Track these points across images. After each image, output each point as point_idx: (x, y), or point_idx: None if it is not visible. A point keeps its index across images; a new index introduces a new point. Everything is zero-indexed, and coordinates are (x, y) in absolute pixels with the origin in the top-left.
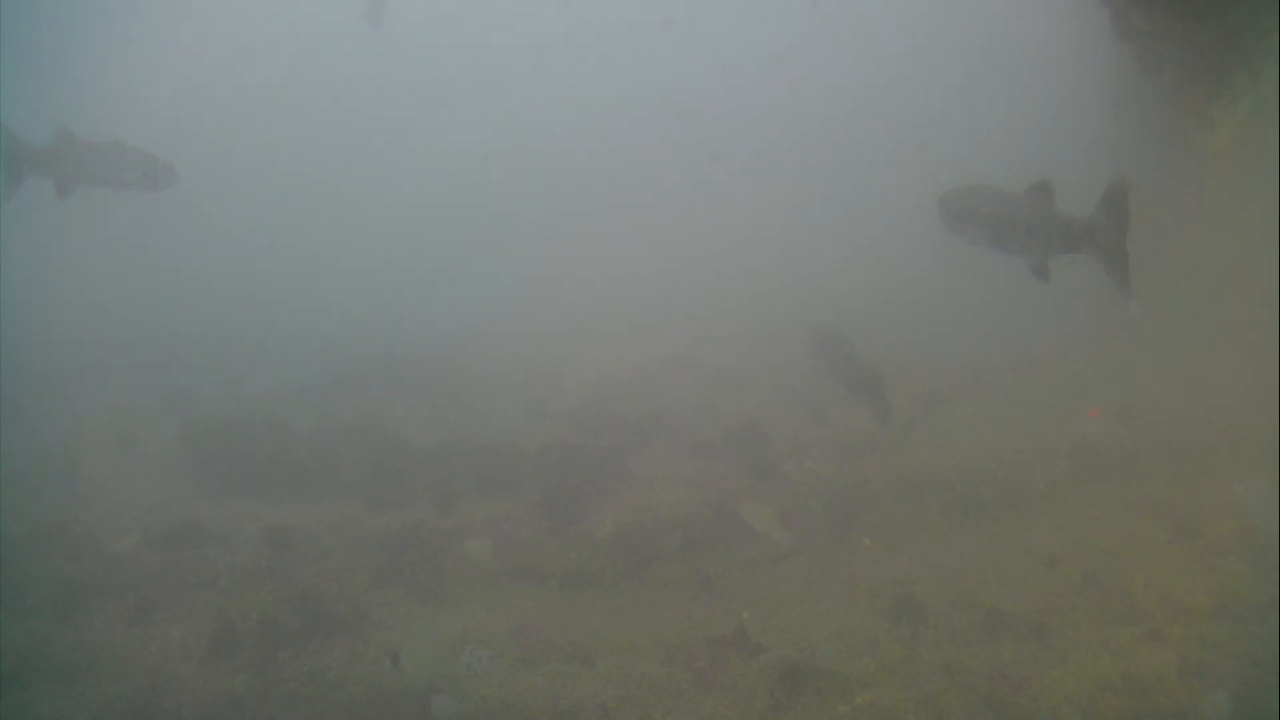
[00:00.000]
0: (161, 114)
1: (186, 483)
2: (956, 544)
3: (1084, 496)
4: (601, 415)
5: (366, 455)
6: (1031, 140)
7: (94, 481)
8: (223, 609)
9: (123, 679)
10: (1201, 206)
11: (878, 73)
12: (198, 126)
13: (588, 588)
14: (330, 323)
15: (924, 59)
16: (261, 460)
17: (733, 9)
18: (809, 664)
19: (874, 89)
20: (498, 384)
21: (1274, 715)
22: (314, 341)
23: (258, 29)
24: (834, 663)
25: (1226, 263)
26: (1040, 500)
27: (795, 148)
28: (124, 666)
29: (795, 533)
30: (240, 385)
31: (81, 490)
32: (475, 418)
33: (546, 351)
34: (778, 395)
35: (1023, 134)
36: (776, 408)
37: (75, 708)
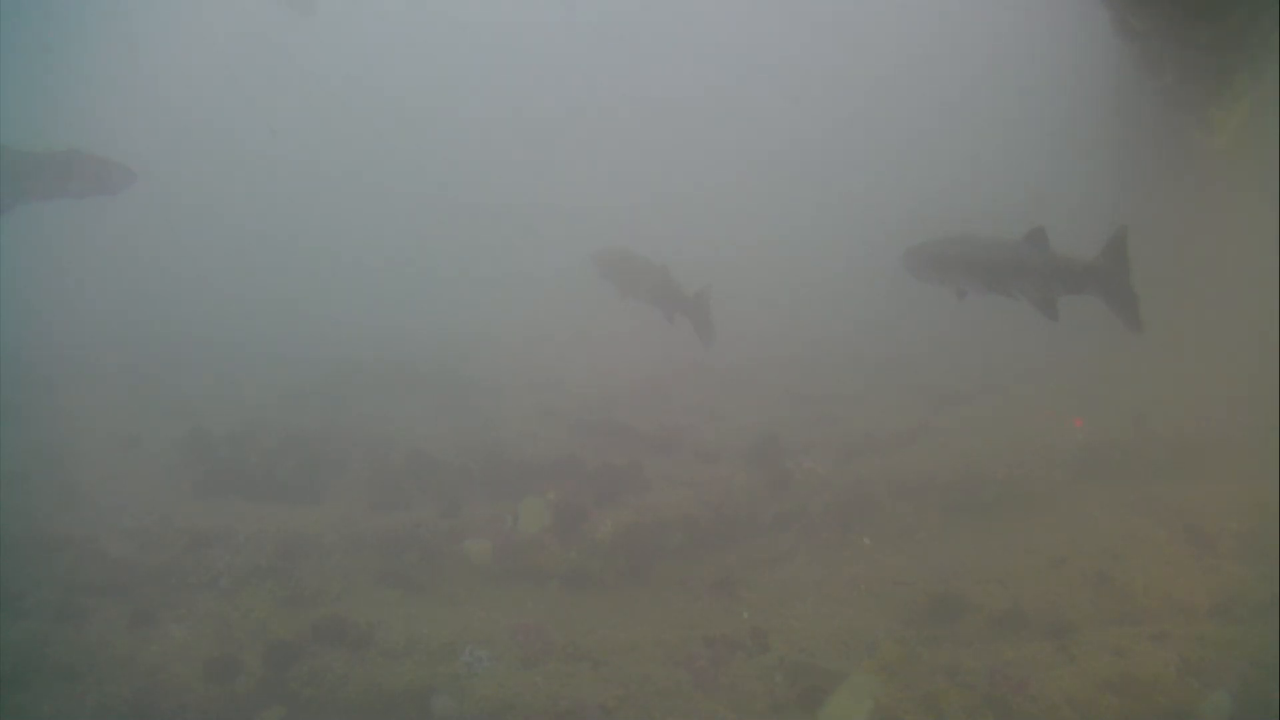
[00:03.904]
0: (156, 121)
1: (186, 484)
2: (957, 544)
3: (1084, 496)
4: (609, 420)
5: (367, 458)
6: (1031, 142)
7: (94, 483)
8: (223, 609)
9: (123, 679)
10: (1201, 206)
11: (878, 76)
12: (196, 132)
13: (588, 588)
14: (332, 327)
15: (923, 61)
16: (261, 462)
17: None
18: (809, 664)
19: (874, 91)
20: (504, 389)
21: (1274, 715)
22: (315, 346)
23: (256, 26)
24: (834, 663)
25: (1227, 263)
26: (1040, 500)
27: (804, 152)
28: (124, 667)
29: (795, 532)
30: (240, 388)
31: (81, 491)
32: (481, 423)
33: (553, 356)
34: (779, 398)
35: (1023, 136)
36: (779, 409)
37: (75, 708)
